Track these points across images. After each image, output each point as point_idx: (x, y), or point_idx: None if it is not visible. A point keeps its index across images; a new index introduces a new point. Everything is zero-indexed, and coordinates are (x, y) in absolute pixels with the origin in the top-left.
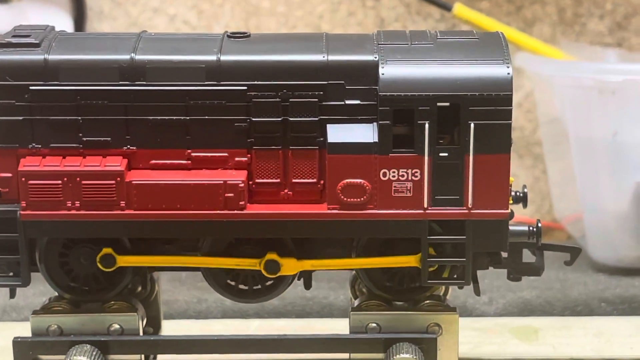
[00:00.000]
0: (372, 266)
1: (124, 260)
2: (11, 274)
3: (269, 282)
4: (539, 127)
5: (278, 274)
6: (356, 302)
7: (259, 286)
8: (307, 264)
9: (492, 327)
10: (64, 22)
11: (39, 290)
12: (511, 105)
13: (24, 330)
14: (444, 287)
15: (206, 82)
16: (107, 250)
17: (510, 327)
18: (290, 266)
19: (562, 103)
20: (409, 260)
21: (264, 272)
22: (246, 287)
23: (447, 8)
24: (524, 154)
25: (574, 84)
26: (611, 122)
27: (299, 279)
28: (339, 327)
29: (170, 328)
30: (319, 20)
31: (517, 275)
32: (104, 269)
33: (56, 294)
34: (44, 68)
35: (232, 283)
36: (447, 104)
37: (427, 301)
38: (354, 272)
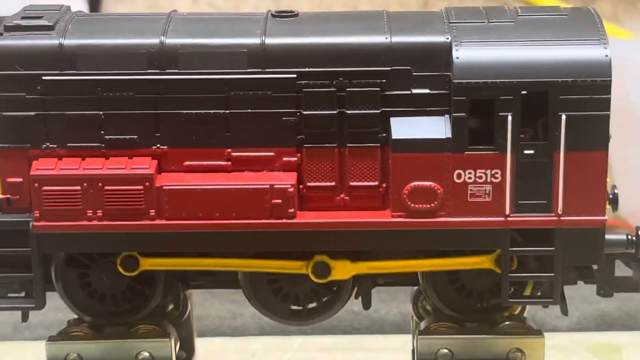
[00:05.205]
0: (441, 268)
1: (148, 263)
2: (23, 293)
3: (322, 300)
4: None
5: (329, 278)
6: (423, 324)
7: (313, 305)
8: (363, 267)
9: (567, 344)
10: (77, 4)
11: (54, 305)
12: (610, 93)
13: (37, 350)
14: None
15: (249, 70)
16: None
17: (588, 344)
18: (342, 269)
19: (633, 87)
20: (482, 261)
21: (312, 277)
22: (299, 307)
23: None
24: None
25: None
26: None
27: (355, 297)
28: (392, 344)
29: (202, 347)
30: (356, 1)
31: (611, 291)
32: (126, 273)
33: (75, 316)
34: (58, 55)
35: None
36: (533, 92)
37: (507, 322)
38: (416, 287)
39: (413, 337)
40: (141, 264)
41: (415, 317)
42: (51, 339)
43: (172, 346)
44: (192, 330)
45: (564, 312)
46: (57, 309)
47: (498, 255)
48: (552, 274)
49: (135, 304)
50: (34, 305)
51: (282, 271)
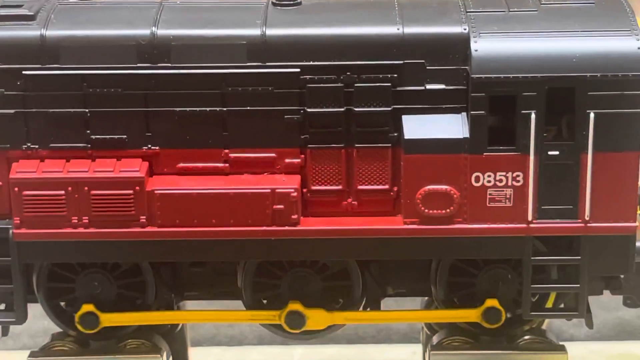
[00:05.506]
0: (424, 320)
1: (109, 320)
2: (3, 306)
3: None
4: None
5: (302, 329)
6: (435, 338)
7: None
8: (340, 317)
9: (586, 355)
10: None
11: (39, 312)
12: None
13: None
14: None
15: (248, 64)
16: (87, 307)
17: (608, 355)
18: (318, 319)
19: None
20: (469, 315)
21: (285, 327)
22: None
23: None
24: None
25: None
26: None
27: (364, 308)
28: (399, 355)
29: (198, 358)
30: None
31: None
32: (85, 331)
33: (59, 329)
34: (40, 47)
35: None
36: (558, 88)
37: (526, 337)
38: (427, 297)
39: (424, 351)
40: (102, 321)
41: (425, 329)
42: (33, 354)
43: None
44: (185, 343)
45: (589, 325)
46: (42, 316)
47: (485, 308)
48: (578, 285)
49: None
50: (14, 319)
51: (254, 322)
